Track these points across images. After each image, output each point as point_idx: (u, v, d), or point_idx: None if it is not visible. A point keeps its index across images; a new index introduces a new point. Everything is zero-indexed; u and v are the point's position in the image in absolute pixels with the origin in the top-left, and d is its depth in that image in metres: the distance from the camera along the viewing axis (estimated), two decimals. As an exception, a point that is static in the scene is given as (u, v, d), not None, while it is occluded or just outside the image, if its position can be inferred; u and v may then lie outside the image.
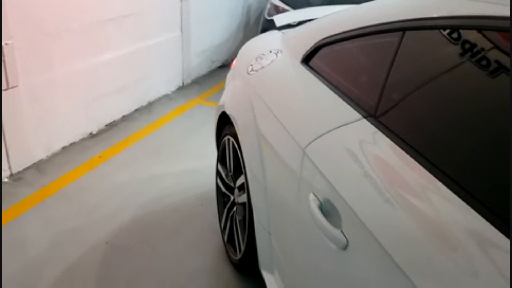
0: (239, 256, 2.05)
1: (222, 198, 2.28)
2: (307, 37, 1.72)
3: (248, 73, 1.97)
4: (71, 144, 3.30)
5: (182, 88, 4.52)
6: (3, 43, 2.62)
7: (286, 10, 3.85)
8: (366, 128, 1.20)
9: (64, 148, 3.24)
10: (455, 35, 1.05)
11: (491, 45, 0.96)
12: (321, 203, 1.20)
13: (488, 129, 0.91)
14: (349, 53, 1.48)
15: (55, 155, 3.14)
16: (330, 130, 1.29)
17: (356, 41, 1.43)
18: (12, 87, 2.75)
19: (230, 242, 2.19)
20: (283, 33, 2.10)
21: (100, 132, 3.52)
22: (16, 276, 2.08)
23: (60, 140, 3.22)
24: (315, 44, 1.63)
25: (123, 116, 3.80)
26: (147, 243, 2.34)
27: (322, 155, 1.27)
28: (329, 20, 1.65)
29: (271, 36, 2.16)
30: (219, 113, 2.18)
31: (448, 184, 0.90)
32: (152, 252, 2.28)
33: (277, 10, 3.98)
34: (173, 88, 4.44)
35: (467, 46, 1.01)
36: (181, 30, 4.38)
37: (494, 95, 0.92)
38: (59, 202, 2.66)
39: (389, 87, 1.20)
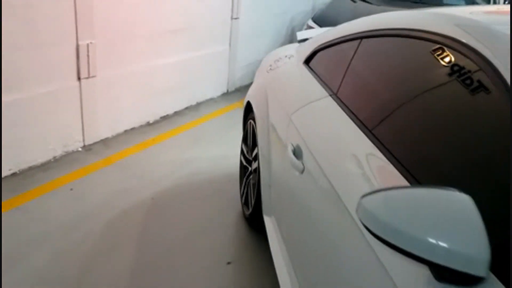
0: (250, 210, 2.66)
1: (243, 170, 2.91)
2: (310, 45, 2.35)
3: (267, 72, 2.62)
4: (131, 129, 4.04)
5: (226, 94, 5.22)
6: (88, 42, 3.41)
7: (316, 30, 4.49)
8: (329, 102, 1.81)
9: (125, 131, 3.99)
10: (389, 40, 1.66)
11: (412, 47, 1.53)
12: (294, 148, 1.81)
13: (414, 107, 1.45)
14: (330, 55, 2.10)
15: (118, 135, 3.90)
16: (308, 103, 1.92)
17: (335, 47, 2.06)
18: (92, 77, 3.53)
19: (245, 203, 2.82)
20: (300, 44, 2.74)
21: (156, 122, 4.26)
22: (75, 220, 2.78)
23: (123, 124, 3.97)
24: (313, 50, 2.26)
25: (175, 112, 4.54)
26: (182, 203, 3.00)
27: (299, 118, 1.89)
28: (324, 33, 2.28)
29: (290, 47, 2.82)
30: (245, 102, 2.84)
31: (377, 145, 1.39)
32: (186, 209, 2.93)
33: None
34: (218, 93, 5.15)
35: (396, 47, 1.61)
36: (230, 45, 5.12)
37: (413, 76, 1.46)
38: (118, 168, 3.38)
39: (347, 75, 1.81)
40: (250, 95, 2.73)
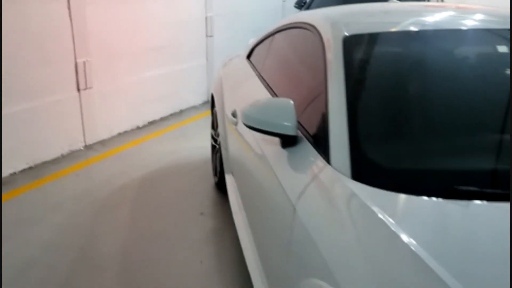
0: (217, 177, 3.43)
1: (213, 149, 3.69)
2: (251, 44, 3.17)
3: (222, 68, 3.43)
4: (124, 132, 4.83)
5: (206, 102, 6.02)
6: (84, 60, 4.23)
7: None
8: (255, 80, 2.60)
9: (119, 133, 4.77)
10: (287, 31, 2.47)
11: (295, 34, 2.34)
12: (232, 112, 2.59)
13: (291, 72, 2.29)
14: (260, 49, 2.91)
15: (113, 137, 4.68)
16: (243, 82, 2.71)
17: (263, 42, 2.87)
18: (89, 88, 4.34)
19: (214, 173, 3.58)
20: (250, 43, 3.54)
21: (144, 126, 5.05)
22: (81, 194, 3.55)
23: (117, 128, 4.76)
24: (252, 47, 3.07)
25: (161, 118, 5.33)
26: (167, 178, 3.76)
27: (236, 93, 2.68)
28: (261, 34, 3.10)
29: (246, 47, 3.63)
30: (210, 95, 3.64)
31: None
32: (169, 182, 3.69)
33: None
34: (199, 101, 5.96)
35: (288, 36, 2.42)
36: (207, 59, 5.95)
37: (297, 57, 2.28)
38: (114, 160, 4.15)
39: (266, 61, 2.62)
40: (212, 88, 3.53)
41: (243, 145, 2.35)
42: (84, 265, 2.62)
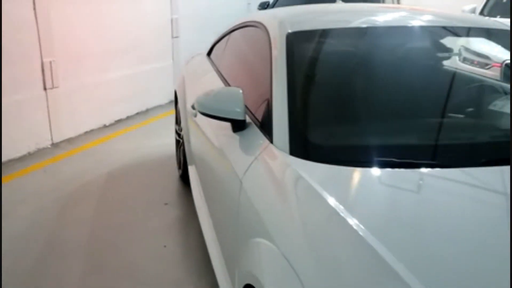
0: (181, 170, 3.60)
1: (177, 143, 3.86)
2: (212, 43, 3.36)
3: (185, 65, 3.61)
4: (91, 130, 4.93)
5: (172, 102, 6.14)
6: (51, 59, 4.33)
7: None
8: (213, 74, 2.80)
9: (86, 132, 4.87)
10: (240, 30, 2.67)
11: (246, 31, 2.55)
12: (192, 104, 2.77)
13: (240, 65, 2.49)
14: (218, 46, 3.10)
15: (80, 135, 4.78)
16: (202, 76, 2.90)
17: (221, 40, 3.06)
18: (56, 87, 4.44)
19: (179, 167, 3.75)
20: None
21: (111, 124, 5.17)
22: (48, 189, 3.66)
23: (84, 126, 4.86)
24: (212, 45, 3.26)
25: (127, 116, 5.45)
26: (132, 173, 3.91)
27: (196, 86, 2.87)
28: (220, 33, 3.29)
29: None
30: (174, 91, 3.81)
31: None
32: (135, 176, 3.84)
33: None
34: (165, 101, 6.09)
35: (241, 34, 2.62)
36: (173, 59, 6.10)
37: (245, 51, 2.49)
38: (80, 156, 4.26)
39: (222, 56, 2.81)
40: (176, 85, 3.70)
41: (202, 135, 2.53)
42: (51, 253, 2.75)
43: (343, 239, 1.21)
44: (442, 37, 2.27)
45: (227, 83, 2.47)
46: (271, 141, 1.68)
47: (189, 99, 3.05)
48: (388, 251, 1.11)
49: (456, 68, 2.30)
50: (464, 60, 5.07)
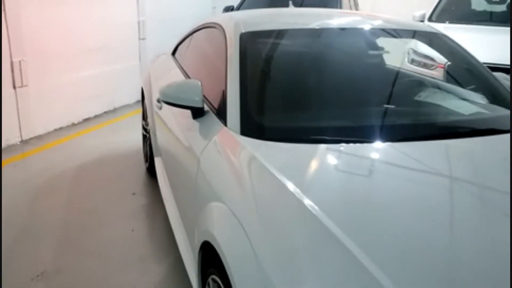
0: (148, 163, 3.83)
1: (144, 137, 4.08)
2: (176, 43, 3.61)
3: (151, 64, 3.84)
4: (60, 128, 5.09)
5: (139, 101, 6.33)
6: (20, 59, 4.48)
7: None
8: (176, 70, 3.05)
9: (55, 129, 5.03)
10: (201, 31, 2.94)
11: (206, 32, 2.82)
12: (157, 98, 3.02)
13: (200, 61, 2.75)
14: (182, 45, 3.36)
15: (49, 132, 4.93)
16: (166, 73, 3.15)
17: (185, 40, 3.32)
18: (25, 86, 4.59)
19: (145, 160, 3.98)
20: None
21: (79, 123, 5.33)
22: (19, 182, 3.82)
23: (53, 124, 5.01)
24: (176, 44, 3.51)
25: (96, 115, 5.62)
26: (100, 166, 4.10)
27: (160, 82, 3.12)
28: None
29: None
30: (140, 88, 4.03)
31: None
32: (103, 169, 4.04)
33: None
34: (133, 100, 6.28)
35: (202, 35, 2.89)
36: (140, 60, 6.30)
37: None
38: (50, 152, 4.43)
39: (186, 55, 3.07)
40: (142, 83, 3.93)
41: (166, 127, 2.78)
42: (26, 237, 2.94)
43: (282, 201, 1.49)
44: (377, 37, 2.60)
45: (189, 78, 2.73)
46: (226, 125, 1.95)
47: (155, 95, 3.29)
48: (321, 211, 1.39)
49: (390, 65, 2.64)
50: (413, 61, 5.49)
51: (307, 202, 1.42)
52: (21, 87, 4.54)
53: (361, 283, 1.15)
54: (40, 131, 4.86)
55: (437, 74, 4.85)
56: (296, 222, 1.42)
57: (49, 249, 2.81)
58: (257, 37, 2.34)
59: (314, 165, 1.68)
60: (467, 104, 2.29)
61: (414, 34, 2.76)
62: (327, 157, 1.72)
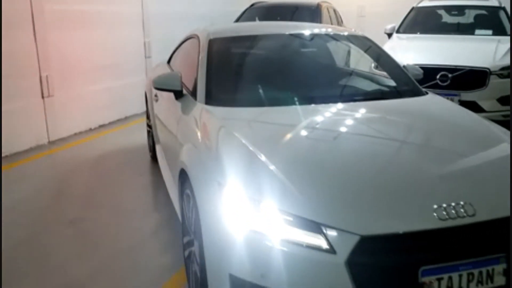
0: (151, 152, 4.76)
1: (148, 132, 5.02)
2: (172, 52, 4.58)
3: (152, 71, 4.82)
4: (80, 132, 6.07)
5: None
6: (47, 74, 5.49)
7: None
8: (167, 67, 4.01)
9: (75, 133, 6.01)
10: (188, 40, 3.91)
11: (191, 41, 3.78)
12: (155, 95, 3.97)
13: (184, 60, 3.70)
14: (176, 53, 4.32)
15: (71, 135, 5.91)
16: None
17: (178, 49, 4.29)
18: (51, 96, 5.59)
19: (150, 150, 4.92)
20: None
21: (96, 128, 6.31)
22: (48, 169, 4.79)
23: (74, 129, 5.99)
24: (171, 54, 4.48)
25: (110, 122, 6.61)
26: (114, 156, 5.05)
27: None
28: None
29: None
30: (144, 92, 5.00)
31: None
32: (116, 158, 4.98)
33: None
34: (141, 110, 7.23)
35: (188, 43, 3.85)
36: (146, 75, 7.31)
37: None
38: (73, 149, 5.39)
39: (177, 59, 4.04)
40: (145, 88, 4.91)
41: (161, 115, 3.73)
42: (57, 201, 3.88)
43: (226, 140, 2.41)
44: (315, 40, 3.54)
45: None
46: (196, 99, 2.89)
47: (154, 94, 4.25)
48: (253, 146, 2.30)
49: (324, 59, 3.57)
50: (376, 67, 6.39)
51: (244, 140, 2.32)
52: (48, 97, 5.54)
53: (270, 183, 2.01)
54: (64, 134, 5.84)
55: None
56: (235, 152, 2.30)
57: (75, 207, 3.75)
58: (221, 42, 3.29)
59: (250, 118, 2.61)
60: (372, 84, 3.21)
61: (347, 37, 3.69)
62: (260, 113, 2.65)
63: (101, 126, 6.42)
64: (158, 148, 4.29)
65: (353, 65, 3.80)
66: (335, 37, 3.66)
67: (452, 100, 5.52)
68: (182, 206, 2.64)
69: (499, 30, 6.66)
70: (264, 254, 1.89)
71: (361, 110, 2.80)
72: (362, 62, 3.66)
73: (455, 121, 2.76)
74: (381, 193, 1.97)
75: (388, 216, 1.89)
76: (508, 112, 5.61)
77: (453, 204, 1.92)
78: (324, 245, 1.83)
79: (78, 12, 5.96)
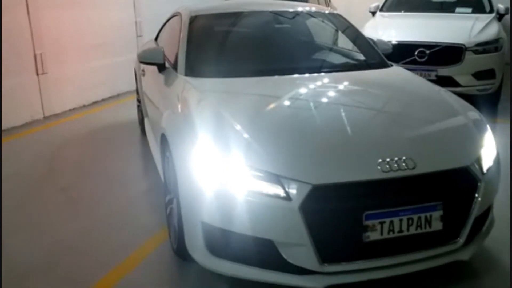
0: (141, 125, 5.02)
1: (138, 107, 5.27)
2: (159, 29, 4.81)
3: (141, 48, 5.05)
4: (74, 108, 6.31)
5: (139, 88, 7.58)
6: (41, 52, 5.71)
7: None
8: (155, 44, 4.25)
9: (69, 109, 6.25)
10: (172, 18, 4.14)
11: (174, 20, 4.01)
12: (142, 69, 4.21)
13: (168, 39, 3.94)
14: (161, 31, 4.56)
15: (65, 111, 6.16)
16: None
17: (163, 27, 4.52)
18: (45, 73, 5.82)
19: (139, 123, 5.17)
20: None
21: (89, 105, 6.56)
22: (43, 142, 5.05)
23: (68, 105, 6.23)
24: (158, 32, 4.71)
25: (102, 99, 6.85)
26: (106, 131, 5.31)
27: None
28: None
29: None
30: (133, 69, 5.24)
31: None
32: (109, 131, 5.24)
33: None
34: (133, 88, 7.40)
35: (173, 20, 4.08)
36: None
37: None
38: (67, 124, 5.64)
39: (163, 36, 4.27)
40: (135, 64, 5.14)
41: (147, 89, 3.99)
42: (51, 170, 4.15)
43: (200, 104, 2.67)
44: (292, 18, 3.79)
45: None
46: (177, 71, 3.14)
47: (142, 69, 4.49)
48: (225, 111, 2.56)
49: (300, 35, 3.81)
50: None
51: (216, 105, 2.59)
52: (42, 74, 5.77)
53: (237, 141, 2.28)
54: (58, 110, 6.09)
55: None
56: (207, 115, 2.57)
57: (67, 176, 4.03)
58: (201, 18, 3.53)
59: (224, 87, 2.88)
60: (341, 57, 3.47)
61: (322, 14, 3.92)
62: (233, 83, 2.92)
63: (94, 103, 6.66)
64: (146, 121, 4.55)
65: (327, 40, 4.03)
66: (310, 15, 3.90)
67: (429, 75, 5.79)
68: (164, 168, 2.91)
69: (478, 8, 6.87)
70: (230, 203, 2.17)
71: (328, 80, 3.07)
72: (335, 37, 3.90)
73: (412, 89, 3.03)
74: (332, 149, 2.25)
75: (337, 168, 2.17)
76: (484, 87, 5.87)
77: (396, 158, 2.19)
78: (282, 193, 2.10)
79: (70, -9, 6.15)
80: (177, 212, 2.50)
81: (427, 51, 5.77)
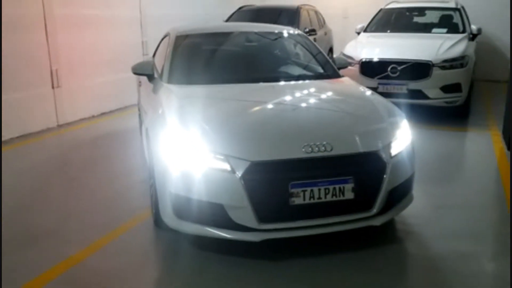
0: (140, 129, 5.75)
1: (139, 115, 6.01)
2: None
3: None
4: (84, 118, 7.08)
5: (144, 101, 8.36)
6: (56, 68, 6.52)
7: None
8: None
9: (81, 119, 7.03)
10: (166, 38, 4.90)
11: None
12: (139, 82, 4.95)
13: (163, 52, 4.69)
14: (158, 49, 5.31)
15: (76, 120, 6.93)
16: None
17: (159, 46, 5.28)
18: (60, 87, 6.62)
19: (139, 128, 5.91)
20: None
21: (98, 115, 7.33)
22: (57, 146, 5.81)
23: (79, 115, 7.01)
24: (155, 49, 5.47)
25: (110, 110, 7.63)
26: (111, 136, 6.05)
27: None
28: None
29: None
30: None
31: None
32: (113, 138, 5.99)
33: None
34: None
35: (165, 39, 4.84)
36: (144, 70, 8.32)
37: None
38: (78, 131, 6.40)
39: (158, 51, 5.02)
40: (136, 77, 5.91)
41: (142, 97, 4.72)
42: (63, 167, 4.88)
43: (174, 105, 3.38)
44: (265, 38, 4.50)
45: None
46: (162, 80, 3.87)
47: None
48: (191, 106, 3.27)
49: (270, 51, 4.52)
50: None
51: (185, 104, 3.30)
52: (57, 87, 6.57)
53: (196, 127, 2.97)
54: (70, 119, 6.87)
55: (355, 68, 6.68)
56: (177, 110, 3.27)
57: (76, 170, 4.75)
58: (185, 37, 4.28)
59: (197, 92, 3.60)
60: (301, 70, 4.17)
61: (290, 35, 4.64)
62: (205, 88, 3.64)
63: (102, 114, 7.43)
64: (143, 126, 5.27)
65: (292, 56, 4.73)
66: (277, 34, 4.62)
67: (401, 88, 6.44)
68: (149, 157, 3.61)
69: (453, 29, 7.54)
70: (191, 176, 2.85)
71: (285, 87, 3.76)
72: (299, 53, 4.60)
73: (349, 93, 3.73)
74: (269, 135, 2.94)
75: (270, 149, 2.84)
76: (452, 99, 6.49)
77: (318, 143, 2.86)
78: (228, 168, 2.78)
79: (84, 15, 6.99)
80: (154, 186, 3.19)
81: (399, 67, 6.43)
